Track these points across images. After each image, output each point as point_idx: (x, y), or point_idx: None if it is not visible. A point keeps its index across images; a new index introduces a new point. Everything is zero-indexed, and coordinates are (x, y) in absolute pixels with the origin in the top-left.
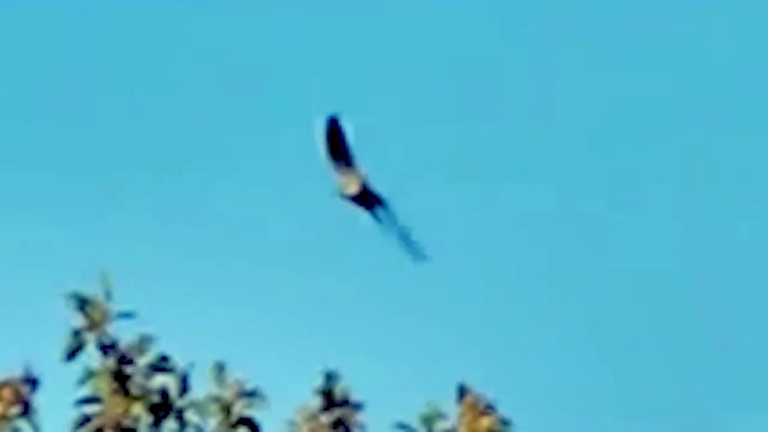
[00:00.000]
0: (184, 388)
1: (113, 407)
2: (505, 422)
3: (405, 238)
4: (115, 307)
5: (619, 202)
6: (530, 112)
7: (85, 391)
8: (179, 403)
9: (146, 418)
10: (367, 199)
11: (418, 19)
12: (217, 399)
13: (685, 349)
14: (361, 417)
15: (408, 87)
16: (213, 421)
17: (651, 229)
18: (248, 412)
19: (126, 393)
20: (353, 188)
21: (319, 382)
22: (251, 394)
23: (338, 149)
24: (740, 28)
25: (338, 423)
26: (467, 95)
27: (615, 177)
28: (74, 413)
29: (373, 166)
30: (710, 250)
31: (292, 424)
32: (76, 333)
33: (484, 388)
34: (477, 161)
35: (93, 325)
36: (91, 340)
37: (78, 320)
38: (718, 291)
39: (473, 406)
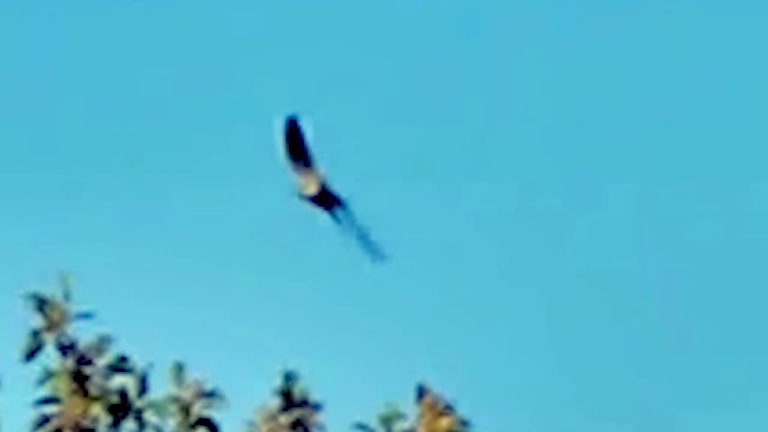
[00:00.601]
0: (143, 389)
1: (72, 408)
2: (464, 423)
3: (364, 238)
4: (74, 307)
5: (579, 201)
6: (489, 111)
7: (44, 392)
8: (138, 403)
9: (105, 419)
10: (325, 199)
11: (377, 18)
12: (176, 399)
13: (646, 349)
14: (320, 417)
15: (366, 86)
16: (172, 422)
17: (611, 227)
18: (207, 413)
19: (85, 393)
20: (312, 188)
21: (278, 382)
22: (210, 395)
23: (297, 149)
24: (699, 26)
25: (297, 423)
26: (426, 94)
27: (575, 175)
28: (33, 413)
29: (331, 166)
30: (671, 249)
31: (251, 424)
32: (35, 333)
33: (443, 389)
34: (435, 160)
35: (52, 326)
36: (50, 340)
37: (37, 321)
38: (679, 290)
39: (432, 407)
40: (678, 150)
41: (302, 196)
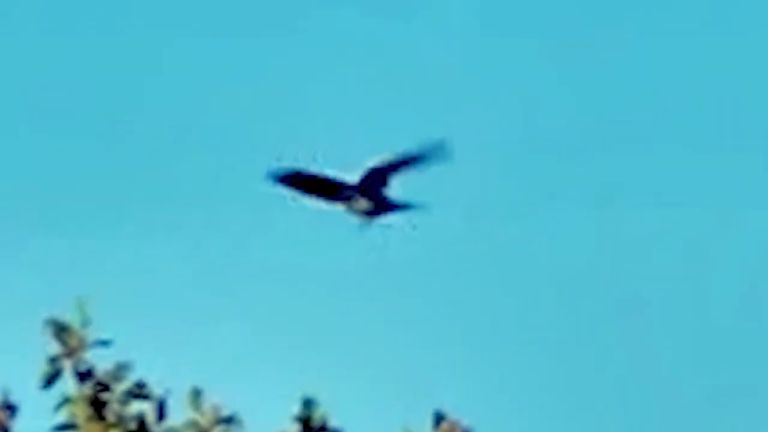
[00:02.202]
0: (161, 415)
1: None
2: None
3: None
4: (92, 334)
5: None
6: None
7: (62, 418)
8: (156, 429)
9: None
10: (383, 204)
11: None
12: (194, 425)
13: (658, 381)
14: None
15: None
16: None
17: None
18: None
19: (103, 420)
20: (364, 204)
21: (297, 408)
22: (228, 420)
23: (316, 186)
24: (647, 48)
25: None
26: (387, 118)
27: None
28: None
29: None
30: (623, 275)
31: None
32: (53, 360)
33: (460, 415)
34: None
35: (70, 352)
36: (67, 367)
37: (55, 347)
38: (635, 313)
39: None
40: (628, 172)
41: (363, 217)
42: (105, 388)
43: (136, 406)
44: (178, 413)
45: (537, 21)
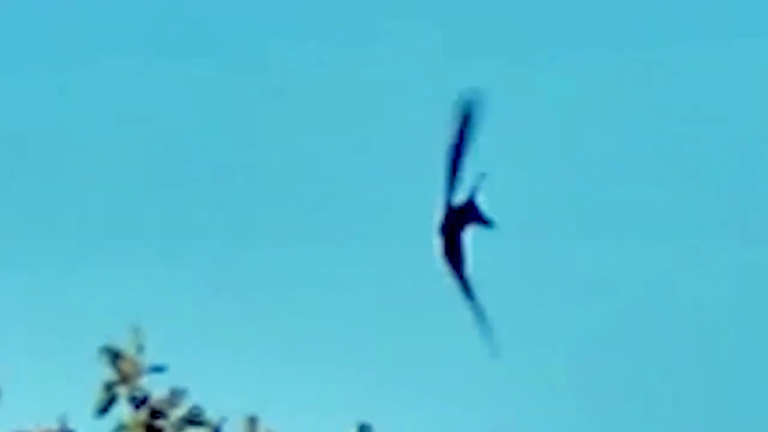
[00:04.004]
0: None
1: None
2: None
3: (487, 329)
4: (147, 360)
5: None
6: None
7: None
8: None
9: None
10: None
11: None
12: None
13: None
14: None
15: None
16: None
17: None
18: None
19: None
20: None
21: None
22: None
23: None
24: (612, 78)
25: None
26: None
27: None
28: None
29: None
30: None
31: None
32: (109, 387)
33: None
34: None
35: (125, 379)
36: (123, 393)
37: (110, 374)
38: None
39: None
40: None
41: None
42: (160, 414)
43: None
44: None
45: (502, 44)
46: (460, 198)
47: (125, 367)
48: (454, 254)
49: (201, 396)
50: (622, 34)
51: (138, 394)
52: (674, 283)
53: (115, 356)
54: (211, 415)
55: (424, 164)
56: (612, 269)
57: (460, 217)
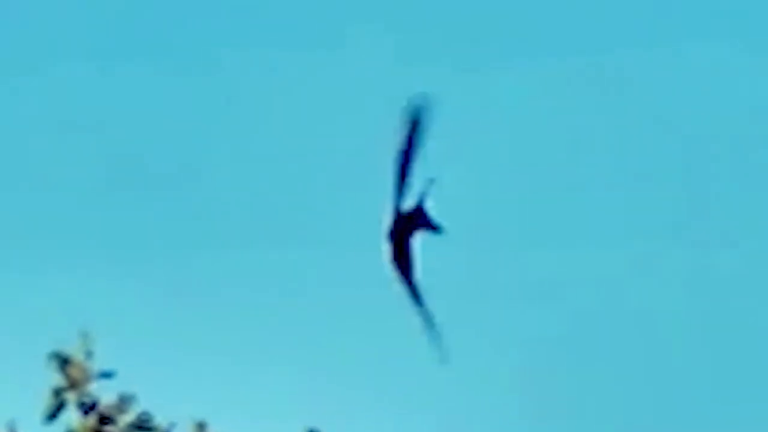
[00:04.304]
0: None
1: None
2: None
3: (435, 335)
4: (96, 366)
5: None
6: None
7: None
8: None
9: None
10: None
11: None
12: None
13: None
14: None
15: None
16: None
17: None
18: None
19: None
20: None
21: None
22: None
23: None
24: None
25: None
26: None
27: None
28: None
29: None
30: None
31: None
32: (57, 392)
33: None
34: None
35: (74, 385)
36: (72, 399)
37: (59, 379)
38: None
39: None
40: None
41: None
42: (109, 420)
43: None
44: None
45: (454, 49)
46: (409, 203)
47: (74, 372)
48: (402, 259)
49: (150, 402)
50: (571, 39)
51: (87, 399)
52: (624, 288)
53: (63, 362)
54: (159, 420)
55: (374, 169)
56: (562, 274)
57: (408, 223)
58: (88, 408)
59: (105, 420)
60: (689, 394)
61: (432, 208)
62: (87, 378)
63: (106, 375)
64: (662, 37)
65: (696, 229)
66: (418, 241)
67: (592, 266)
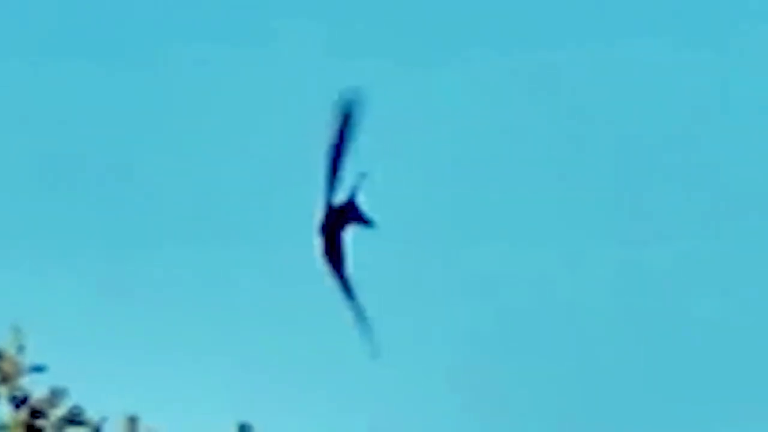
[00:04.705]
0: None
1: None
2: None
3: (367, 329)
4: (27, 360)
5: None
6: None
7: None
8: None
9: None
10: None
11: None
12: None
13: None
14: None
15: None
16: None
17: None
18: None
19: None
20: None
21: None
22: None
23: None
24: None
25: None
26: None
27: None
28: None
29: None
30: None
31: None
32: None
33: None
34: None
35: (5, 379)
36: (3, 393)
37: None
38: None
39: None
40: None
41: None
42: (40, 414)
43: None
44: None
45: (387, 43)
46: (340, 198)
47: (5, 366)
48: (334, 254)
49: (81, 396)
50: (508, 35)
51: (18, 393)
52: (555, 285)
53: None
54: (91, 414)
55: (306, 164)
56: (494, 270)
57: (340, 217)
58: (19, 402)
59: (36, 414)
60: (619, 390)
61: (364, 203)
62: (18, 372)
63: (38, 369)
64: (595, 34)
65: (627, 227)
66: (350, 235)
67: (525, 263)
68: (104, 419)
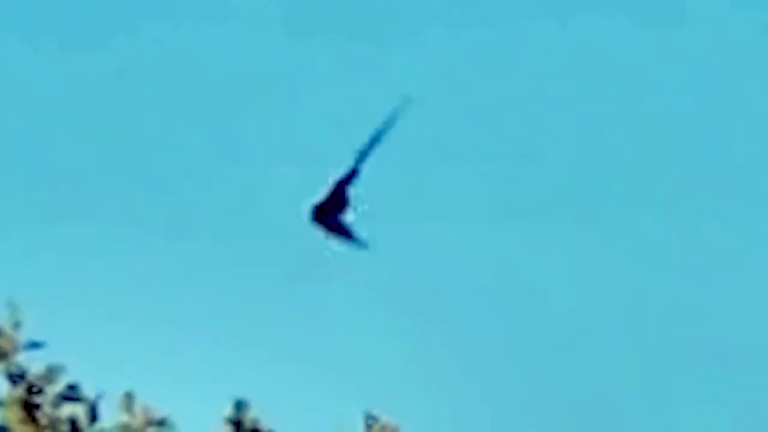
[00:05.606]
0: (93, 417)
1: None
2: None
3: (349, 229)
4: (24, 336)
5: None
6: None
7: None
8: None
9: None
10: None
11: None
12: (126, 428)
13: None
14: None
15: None
16: None
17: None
18: None
19: (35, 422)
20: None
21: (228, 410)
22: (160, 423)
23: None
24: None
25: None
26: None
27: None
28: None
29: None
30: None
31: None
32: None
33: (391, 417)
34: None
35: (2, 355)
36: (0, 369)
37: None
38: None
39: None
40: None
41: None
42: (37, 390)
43: (68, 409)
44: (111, 416)
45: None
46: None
47: (2, 343)
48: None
49: (78, 372)
50: (465, 12)
51: (15, 370)
52: (516, 264)
53: None
54: (88, 391)
55: (264, 140)
56: (456, 250)
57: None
58: (16, 378)
59: (33, 390)
60: (578, 370)
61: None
62: (15, 348)
63: (35, 345)
64: (554, 10)
65: (591, 208)
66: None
67: (487, 243)
68: (101, 396)
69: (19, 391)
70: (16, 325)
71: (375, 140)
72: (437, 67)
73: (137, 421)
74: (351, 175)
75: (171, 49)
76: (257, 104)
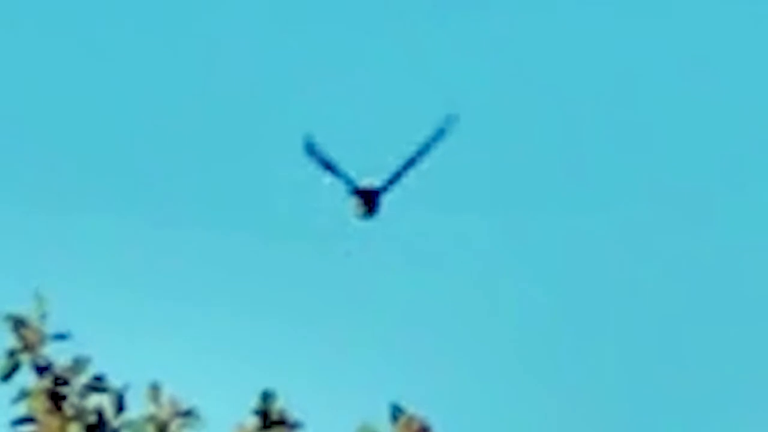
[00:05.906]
0: (119, 408)
1: (49, 427)
2: None
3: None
4: (51, 328)
5: None
6: None
7: (21, 412)
8: (115, 423)
9: None
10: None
11: None
12: (152, 419)
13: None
14: None
15: None
16: None
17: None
18: None
19: (61, 413)
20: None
21: (256, 401)
22: (187, 414)
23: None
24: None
25: None
26: None
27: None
28: None
29: None
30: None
31: None
32: (12, 354)
33: (418, 409)
34: None
35: (28, 346)
36: (26, 361)
37: (13, 341)
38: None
39: (408, 427)
40: None
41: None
42: (63, 381)
43: (95, 400)
44: (137, 407)
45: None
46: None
47: (28, 334)
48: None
49: (104, 363)
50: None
51: (41, 361)
52: (496, 254)
53: (18, 324)
54: (114, 382)
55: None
56: (436, 240)
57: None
58: (42, 370)
59: (59, 382)
60: (561, 359)
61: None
62: (41, 340)
63: (61, 337)
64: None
65: (565, 195)
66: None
67: (466, 232)
68: (127, 387)
69: (46, 382)
70: (43, 316)
71: (420, 154)
72: (426, 54)
73: (164, 412)
74: (389, 184)
75: (142, 47)
76: (234, 100)
